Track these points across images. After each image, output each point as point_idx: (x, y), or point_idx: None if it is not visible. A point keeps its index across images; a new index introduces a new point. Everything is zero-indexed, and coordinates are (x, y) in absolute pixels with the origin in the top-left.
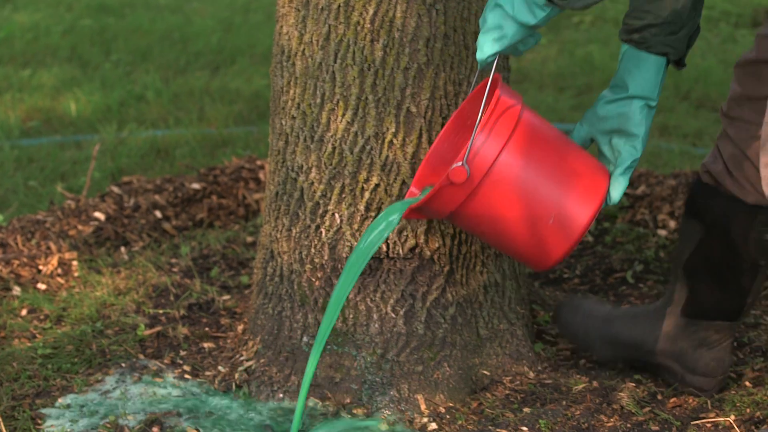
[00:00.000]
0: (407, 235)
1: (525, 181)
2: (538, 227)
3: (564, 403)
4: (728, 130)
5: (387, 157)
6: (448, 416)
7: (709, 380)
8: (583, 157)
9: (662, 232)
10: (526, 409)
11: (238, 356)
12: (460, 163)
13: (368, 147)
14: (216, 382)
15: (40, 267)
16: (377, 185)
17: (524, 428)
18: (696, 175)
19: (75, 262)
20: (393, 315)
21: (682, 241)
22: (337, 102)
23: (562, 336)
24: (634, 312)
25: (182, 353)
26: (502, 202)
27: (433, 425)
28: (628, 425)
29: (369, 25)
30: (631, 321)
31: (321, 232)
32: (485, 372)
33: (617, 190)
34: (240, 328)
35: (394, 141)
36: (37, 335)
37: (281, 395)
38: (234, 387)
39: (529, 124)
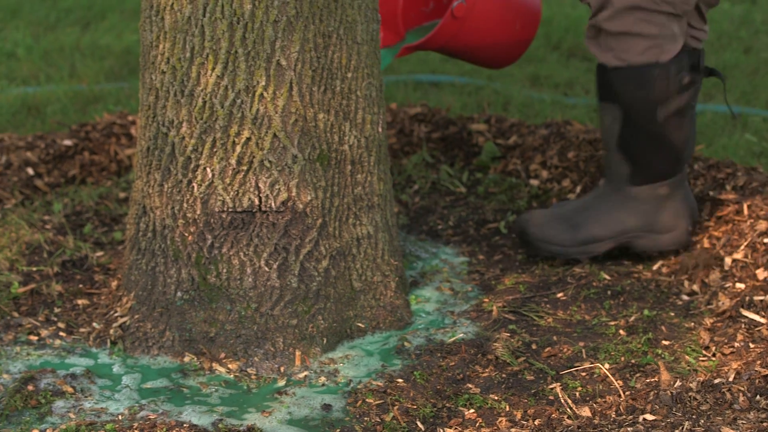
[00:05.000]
0: (279, 189)
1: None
2: (510, 30)
3: (439, 354)
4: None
5: (258, 110)
6: (323, 369)
7: (677, 233)
8: None
9: (534, 182)
10: (402, 361)
11: (112, 312)
12: (461, 1)
13: (239, 101)
14: (91, 338)
15: None
16: (248, 139)
17: (399, 380)
18: (600, 65)
19: None
20: (266, 269)
21: (608, 124)
22: (207, 56)
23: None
24: (587, 205)
25: (57, 310)
26: (491, 17)
27: (308, 378)
28: (503, 375)
29: None
30: (595, 217)
31: (193, 187)
32: (360, 324)
33: None
34: (114, 284)
35: (265, 94)
36: None
37: (156, 351)
38: (109, 343)
39: None
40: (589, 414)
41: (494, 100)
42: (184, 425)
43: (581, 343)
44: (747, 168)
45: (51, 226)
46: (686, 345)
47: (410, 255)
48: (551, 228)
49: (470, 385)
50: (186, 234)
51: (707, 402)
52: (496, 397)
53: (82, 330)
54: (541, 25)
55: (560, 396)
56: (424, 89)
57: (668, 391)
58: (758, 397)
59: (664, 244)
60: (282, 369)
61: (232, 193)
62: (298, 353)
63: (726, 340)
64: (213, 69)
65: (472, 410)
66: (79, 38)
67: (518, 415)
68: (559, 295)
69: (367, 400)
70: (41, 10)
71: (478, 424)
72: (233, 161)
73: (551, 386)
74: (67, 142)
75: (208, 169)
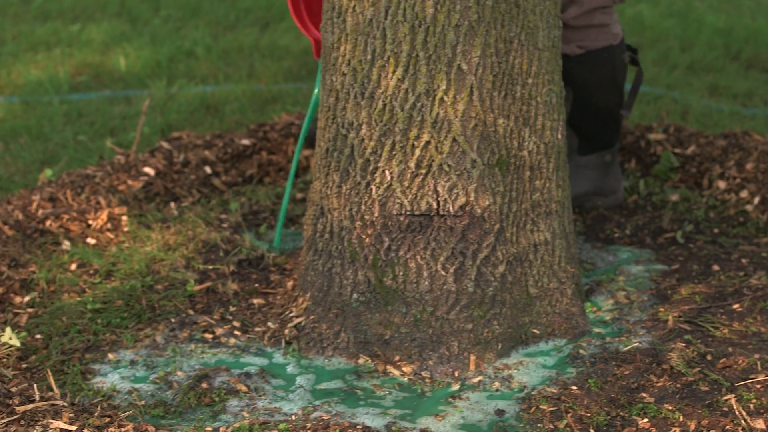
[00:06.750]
0: (458, 193)
1: None
2: None
3: (613, 362)
4: None
5: (438, 114)
6: (497, 375)
7: (620, 195)
8: None
9: (713, 192)
10: (576, 369)
11: (287, 312)
12: None
13: (419, 104)
14: (266, 338)
15: (90, 222)
16: (428, 142)
17: (574, 387)
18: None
19: (124, 217)
20: (443, 273)
21: None
22: (388, 59)
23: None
24: None
25: (232, 309)
26: None
27: (482, 383)
28: (678, 385)
29: None
30: None
31: (371, 189)
32: (535, 331)
33: None
34: (290, 284)
35: (445, 98)
36: (87, 290)
37: (331, 352)
38: (284, 343)
39: None
40: (764, 426)
41: (672, 109)
42: (357, 427)
43: (756, 355)
44: None
45: (228, 225)
46: None
47: (586, 263)
48: None
49: (644, 395)
50: (363, 236)
51: None
52: (670, 407)
53: (257, 329)
54: (719, 36)
55: (735, 408)
56: None
57: None
58: None
59: (608, 204)
60: (456, 373)
61: (410, 196)
62: (472, 358)
63: None
64: (394, 72)
65: (645, 419)
66: (258, 38)
67: (692, 425)
68: (735, 306)
69: (540, 406)
70: (221, 9)
71: None
72: (412, 164)
73: (726, 398)
74: (245, 142)
75: (387, 172)
